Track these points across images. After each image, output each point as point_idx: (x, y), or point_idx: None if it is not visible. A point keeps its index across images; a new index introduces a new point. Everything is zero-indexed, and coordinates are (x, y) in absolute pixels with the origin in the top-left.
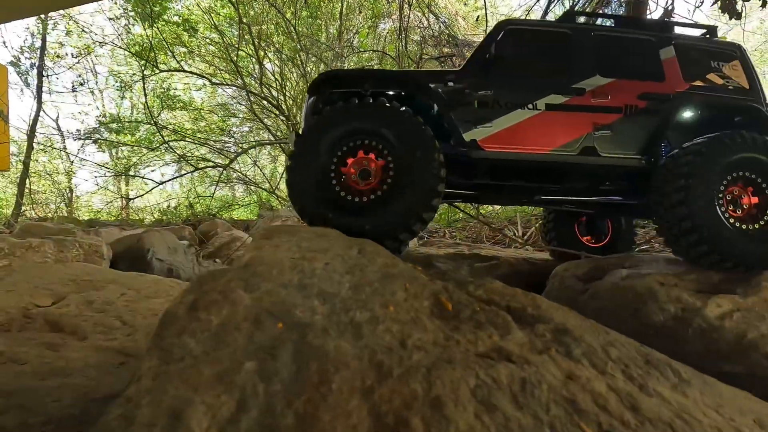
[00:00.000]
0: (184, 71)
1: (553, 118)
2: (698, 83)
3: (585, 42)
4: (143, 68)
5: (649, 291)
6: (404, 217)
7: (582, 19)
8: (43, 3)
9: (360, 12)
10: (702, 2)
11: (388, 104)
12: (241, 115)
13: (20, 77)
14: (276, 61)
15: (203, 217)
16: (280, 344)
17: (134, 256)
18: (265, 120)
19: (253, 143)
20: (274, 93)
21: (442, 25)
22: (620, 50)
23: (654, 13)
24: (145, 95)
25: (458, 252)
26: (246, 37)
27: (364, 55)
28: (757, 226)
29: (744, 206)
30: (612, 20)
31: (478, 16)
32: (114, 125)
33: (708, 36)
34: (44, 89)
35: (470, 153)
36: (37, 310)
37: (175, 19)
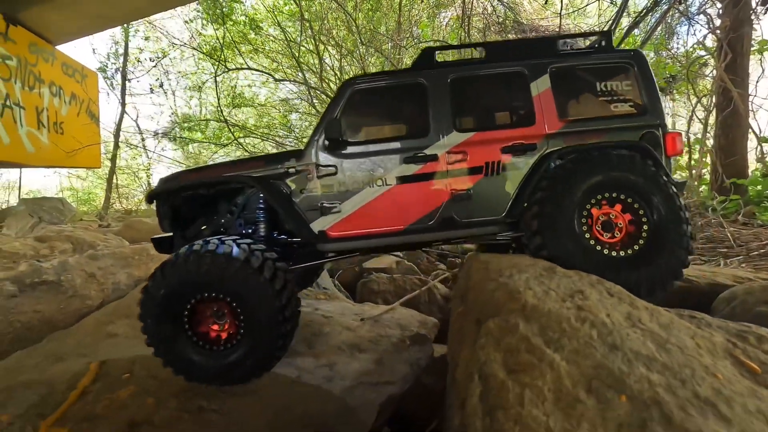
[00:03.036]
0: (250, 69)
1: (406, 191)
2: (576, 117)
3: (440, 91)
4: (216, 68)
5: None
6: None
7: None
8: (129, 12)
9: (422, 1)
10: None
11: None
12: (301, 110)
13: (106, 82)
14: (336, 55)
15: None
16: (644, 424)
17: None
18: None
19: None
20: (333, 87)
21: (507, 10)
22: (482, 93)
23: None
24: (218, 95)
25: None
26: (307, 32)
27: (424, 46)
28: (628, 252)
29: (618, 232)
30: (482, 50)
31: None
32: (187, 123)
33: (602, 45)
34: (126, 92)
35: (318, 246)
36: None
37: (242, 18)
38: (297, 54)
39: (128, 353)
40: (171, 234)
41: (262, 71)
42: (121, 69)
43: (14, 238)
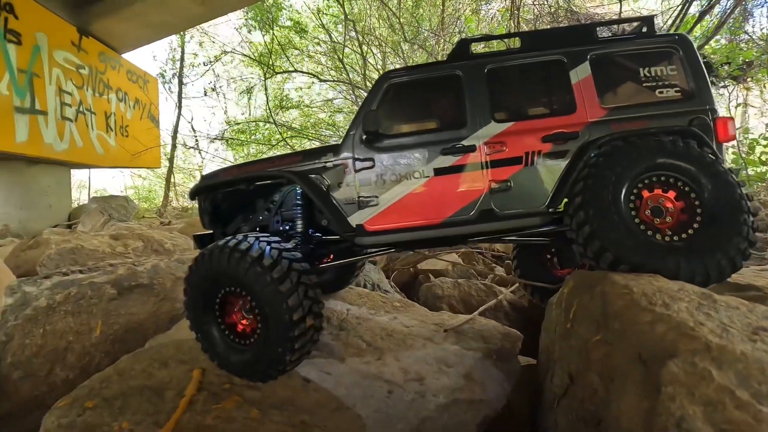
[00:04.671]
0: (297, 71)
1: (444, 183)
2: (619, 105)
3: (477, 81)
4: (265, 73)
5: None
6: None
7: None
8: (188, 20)
9: None
10: None
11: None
12: (345, 110)
13: (164, 86)
14: (378, 55)
15: None
16: None
17: None
18: None
19: None
20: None
21: None
22: (520, 83)
23: None
24: (267, 98)
25: None
26: (350, 33)
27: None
28: (682, 236)
29: (670, 215)
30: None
31: None
32: (239, 126)
33: (643, 31)
34: (182, 95)
35: (355, 240)
36: None
37: (288, 23)
38: (341, 55)
39: None
40: (212, 231)
41: (308, 74)
42: (177, 74)
43: (92, 236)
